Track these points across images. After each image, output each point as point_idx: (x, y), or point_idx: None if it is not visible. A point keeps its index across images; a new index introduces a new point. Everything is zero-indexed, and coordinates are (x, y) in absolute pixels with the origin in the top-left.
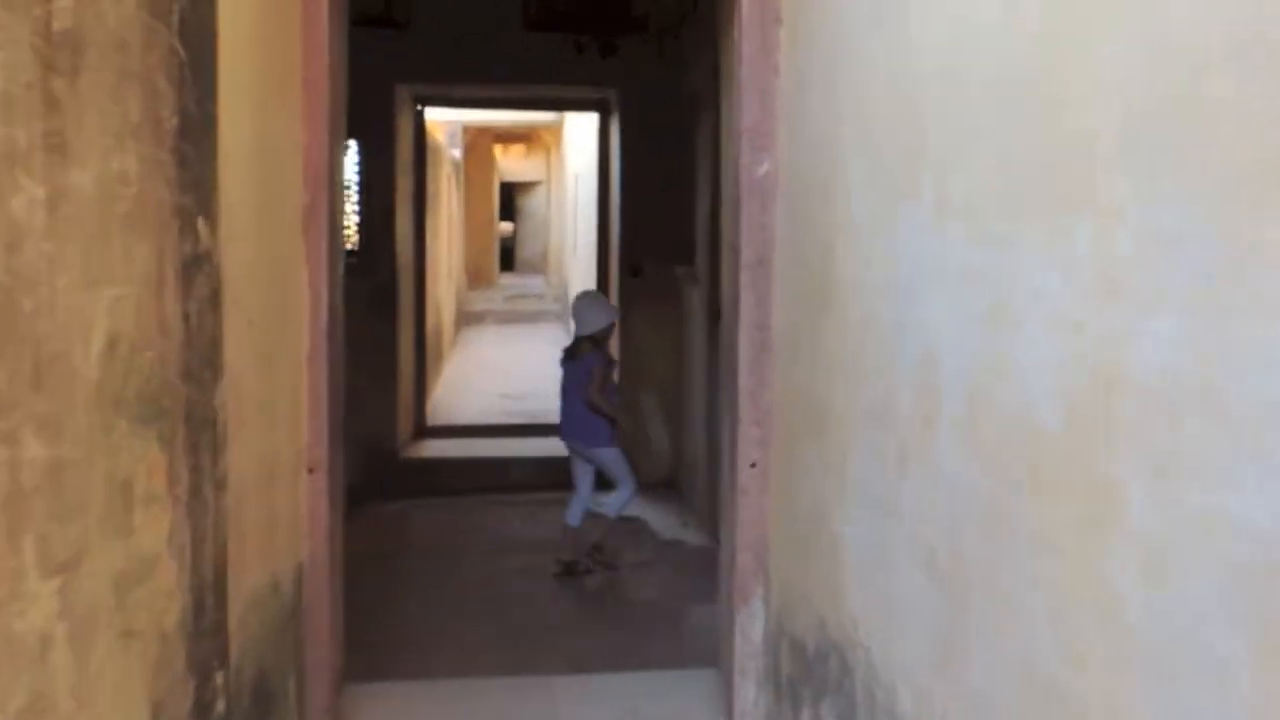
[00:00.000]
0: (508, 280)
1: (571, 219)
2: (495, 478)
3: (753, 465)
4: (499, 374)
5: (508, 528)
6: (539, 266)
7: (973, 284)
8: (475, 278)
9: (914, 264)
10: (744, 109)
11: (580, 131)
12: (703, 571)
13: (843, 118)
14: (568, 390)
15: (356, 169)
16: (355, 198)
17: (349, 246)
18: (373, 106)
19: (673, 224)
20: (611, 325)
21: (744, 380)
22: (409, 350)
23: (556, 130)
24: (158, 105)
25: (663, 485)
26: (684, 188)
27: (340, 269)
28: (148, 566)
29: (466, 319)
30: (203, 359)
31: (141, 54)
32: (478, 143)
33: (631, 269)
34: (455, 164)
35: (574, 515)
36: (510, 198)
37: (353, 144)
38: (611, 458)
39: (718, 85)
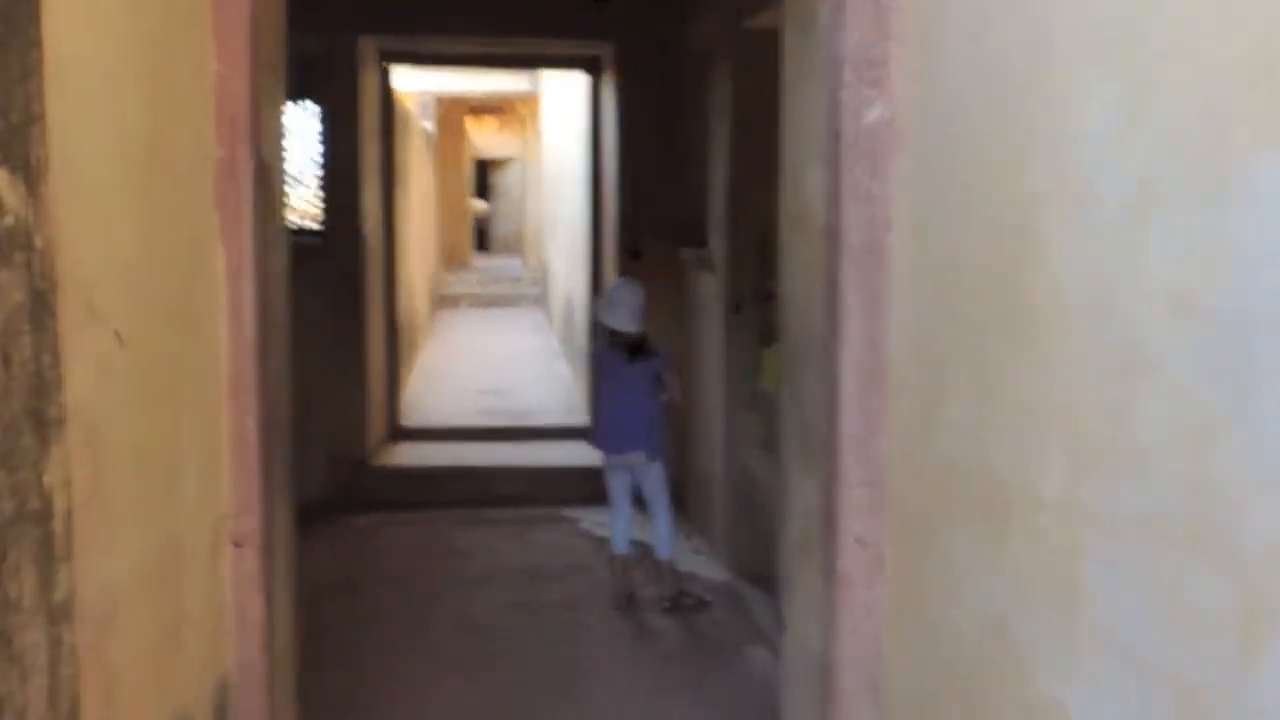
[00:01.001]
0: (483, 262)
1: (551, 196)
2: (479, 490)
3: (859, 542)
4: (477, 366)
5: (494, 551)
6: (515, 247)
7: None
8: (449, 259)
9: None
10: (847, 23)
11: (559, 102)
12: (726, 615)
13: (1057, 24)
14: (624, 395)
15: (320, 136)
16: (320, 168)
17: (312, 225)
18: (333, 62)
19: (677, 200)
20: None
21: (848, 422)
22: (379, 342)
23: (532, 102)
24: None
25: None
26: (692, 158)
27: (282, 253)
28: None
29: (441, 303)
30: (20, 408)
31: None
32: (451, 115)
33: (629, 251)
34: (428, 136)
35: (622, 541)
36: (484, 175)
37: (311, 106)
38: (662, 474)
39: (734, 35)
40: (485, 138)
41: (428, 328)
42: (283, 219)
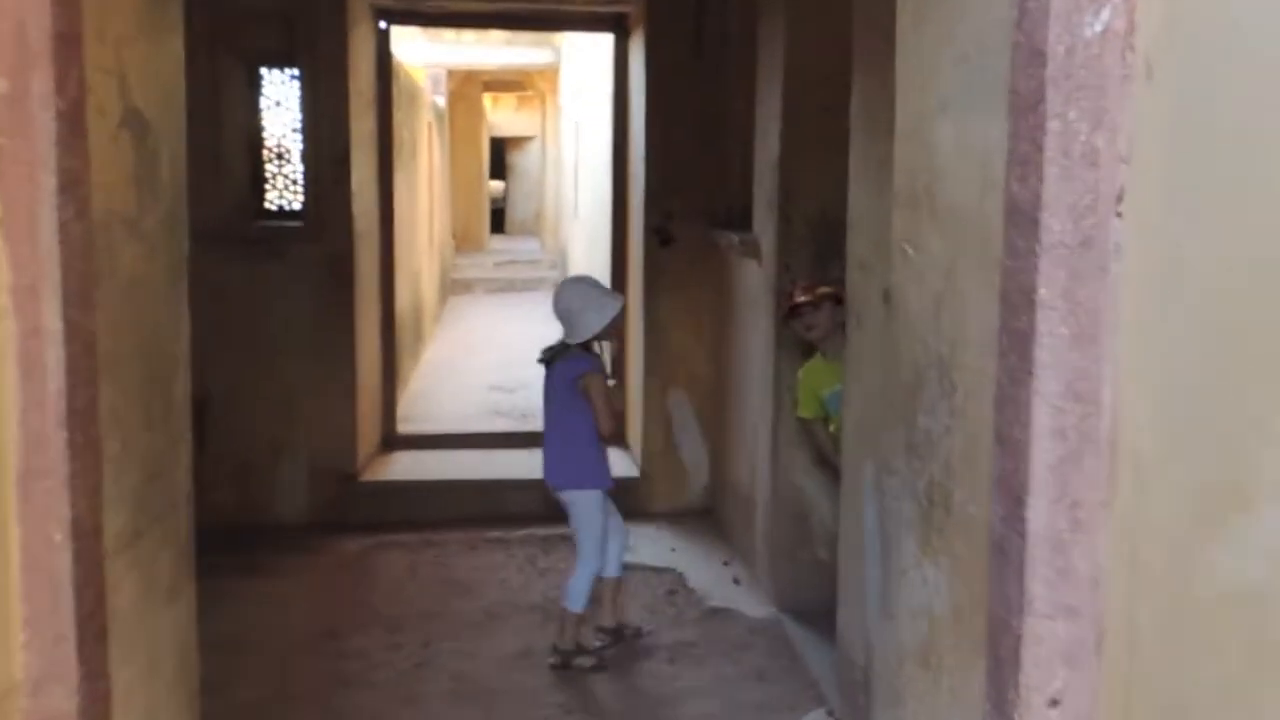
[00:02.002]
0: (499, 244)
1: (571, 175)
2: (485, 506)
3: (1055, 705)
4: (489, 358)
5: (502, 583)
6: (533, 229)
7: None
8: (463, 241)
9: None
10: None
11: (580, 73)
12: (771, 663)
13: None
14: (547, 411)
15: (300, 104)
16: (299, 144)
17: (293, 204)
18: (316, 20)
19: (715, 178)
20: (615, 320)
21: (1039, 514)
22: (372, 339)
23: (552, 76)
24: None
25: (697, 515)
26: (733, 129)
27: (171, 249)
28: None
29: (453, 288)
30: None
31: None
32: (465, 91)
33: (659, 235)
34: (439, 112)
35: (616, 566)
36: (501, 154)
37: (288, 71)
38: (591, 507)
39: None
40: (503, 116)
41: (437, 316)
42: (176, 198)
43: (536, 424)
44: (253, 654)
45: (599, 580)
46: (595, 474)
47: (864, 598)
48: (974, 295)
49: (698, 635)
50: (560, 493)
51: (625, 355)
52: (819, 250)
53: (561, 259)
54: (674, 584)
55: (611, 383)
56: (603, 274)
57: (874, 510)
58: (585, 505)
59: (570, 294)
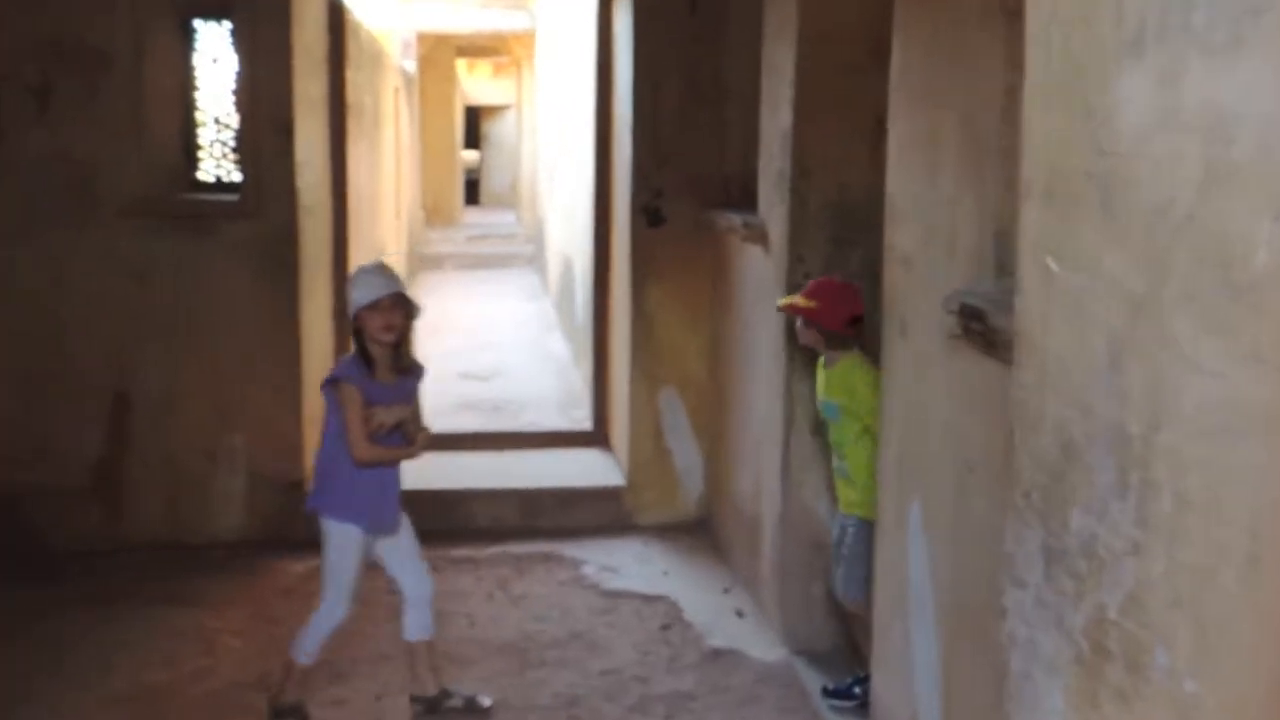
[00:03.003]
0: (473, 217)
1: (549, 145)
2: (451, 519)
3: None
4: (459, 342)
5: (468, 615)
6: (509, 201)
7: None
8: (434, 214)
9: None
10: None
11: (559, 36)
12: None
13: None
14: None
15: (236, 61)
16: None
17: (232, 175)
18: None
19: (713, 152)
20: (372, 304)
21: None
22: (321, 327)
23: (528, 41)
24: None
25: (689, 528)
26: (733, 98)
27: None
28: None
29: (422, 264)
30: None
31: None
32: (436, 56)
33: (648, 214)
34: (407, 77)
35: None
36: (475, 123)
37: (225, 24)
38: (333, 541)
39: None
40: (478, 84)
41: None
42: None
43: (510, 420)
44: (163, 712)
45: (408, 644)
46: (344, 504)
47: (910, 665)
48: (1195, 344)
49: (696, 684)
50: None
51: (609, 349)
52: (837, 236)
53: (539, 233)
54: (668, 616)
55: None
56: (585, 249)
57: (922, 558)
58: (331, 537)
59: (379, 277)
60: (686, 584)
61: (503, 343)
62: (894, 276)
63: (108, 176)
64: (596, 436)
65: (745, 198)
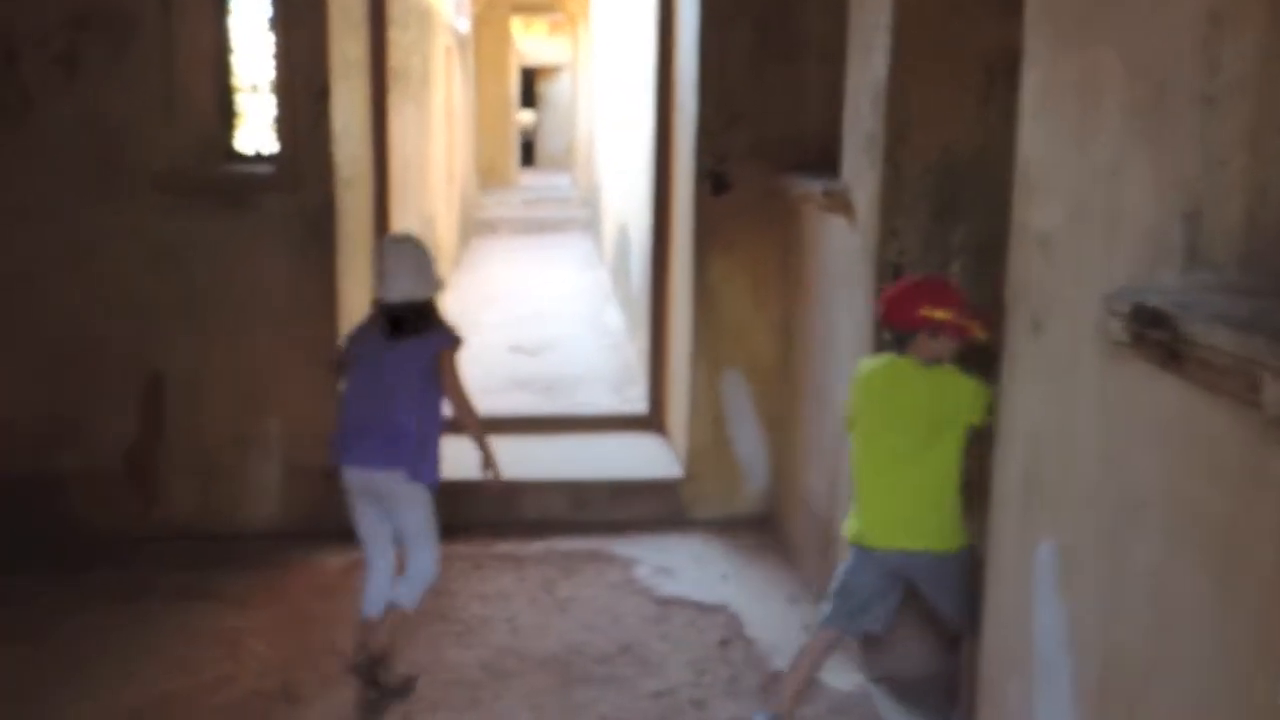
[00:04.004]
0: (528, 179)
1: (607, 104)
2: (494, 511)
3: None
4: (511, 311)
5: (510, 621)
6: (563, 163)
7: None
8: (489, 177)
9: None
10: None
11: None
12: None
13: None
14: (378, 385)
15: (271, 24)
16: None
17: (266, 150)
18: None
19: (788, 109)
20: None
21: None
22: (361, 305)
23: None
24: None
25: (752, 524)
26: (812, 50)
27: None
28: None
29: (475, 229)
30: None
31: None
32: (492, 16)
33: (713, 180)
34: (460, 37)
35: (376, 600)
36: (531, 84)
37: None
38: (427, 502)
39: None
40: (534, 44)
41: (456, 260)
42: None
43: (564, 398)
44: None
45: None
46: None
47: None
48: None
49: (759, 712)
50: (407, 484)
51: (667, 325)
52: (938, 208)
53: (595, 196)
54: (727, 630)
55: None
56: (643, 213)
57: (1056, 614)
58: (424, 499)
59: (398, 249)
60: (748, 591)
61: (556, 313)
62: (1026, 262)
63: (138, 147)
64: (652, 421)
65: (824, 162)
